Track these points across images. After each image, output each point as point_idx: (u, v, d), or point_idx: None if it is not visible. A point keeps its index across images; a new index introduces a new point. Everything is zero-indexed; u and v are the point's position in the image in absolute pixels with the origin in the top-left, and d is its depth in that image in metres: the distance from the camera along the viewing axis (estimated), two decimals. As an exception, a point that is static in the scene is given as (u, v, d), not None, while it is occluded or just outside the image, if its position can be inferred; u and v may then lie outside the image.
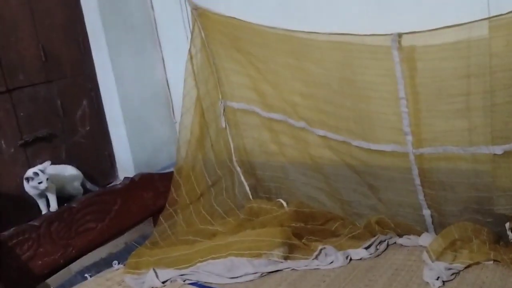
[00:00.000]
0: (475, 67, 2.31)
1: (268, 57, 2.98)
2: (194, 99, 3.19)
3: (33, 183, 2.75)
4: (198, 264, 2.61)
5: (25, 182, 2.77)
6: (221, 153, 3.30)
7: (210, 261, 2.60)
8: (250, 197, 3.28)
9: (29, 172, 2.77)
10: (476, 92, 2.35)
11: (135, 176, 3.22)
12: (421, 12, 2.58)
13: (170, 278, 2.59)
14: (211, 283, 2.53)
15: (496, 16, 2.21)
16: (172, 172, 3.19)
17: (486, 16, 2.27)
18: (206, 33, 3.12)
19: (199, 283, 2.54)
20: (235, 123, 3.29)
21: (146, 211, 3.19)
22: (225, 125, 3.29)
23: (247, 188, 3.30)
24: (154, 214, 3.16)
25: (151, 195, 3.22)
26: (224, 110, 3.27)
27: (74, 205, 2.84)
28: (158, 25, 3.55)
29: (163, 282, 2.57)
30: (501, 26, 2.20)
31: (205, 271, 2.58)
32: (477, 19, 2.24)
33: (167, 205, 3.07)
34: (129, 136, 3.39)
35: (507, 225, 2.45)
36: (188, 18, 3.30)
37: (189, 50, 3.15)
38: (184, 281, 2.57)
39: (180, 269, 2.61)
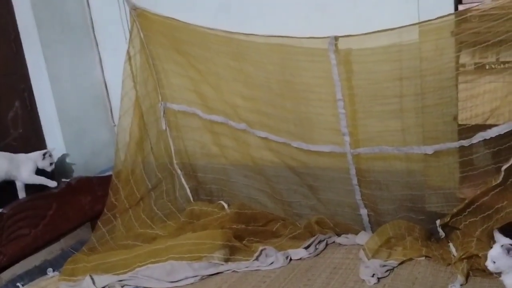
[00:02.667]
0: (407, 70, 2.40)
1: (209, 59, 2.97)
2: (133, 101, 3.14)
3: (46, 162, 2.95)
4: (137, 269, 2.56)
5: (38, 156, 2.95)
6: (161, 155, 3.25)
7: (150, 265, 2.56)
8: (191, 199, 3.25)
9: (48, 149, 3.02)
10: (408, 94, 2.44)
11: (71, 179, 3.12)
12: (357, 16, 2.66)
13: (108, 284, 2.52)
14: None
15: (425, 21, 2.29)
16: (111, 176, 3.11)
17: (417, 22, 2.35)
18: (146, 33, 3.07)
19: (138, 288, 2.50)
20: (175, 125, 3.26)
21: (83, 216, 3.10)
22: (166, 127, 3.25)
23: (188, 191, 3.27)
24: (92, 219, 3.08)
25: (89, 200, 3.13)
26: (164, 112, 3.23)
27: (4, 211, 2.71)
28: (95, 25, 3.46)
29: (100, 289, 2.51)
30: (430, 31, 2.30)
31: (144, 275, 2.53)
32: (408, 24, 2.32)
33: (105, 209, 3.00)
34: (65, 139, 3.28)
35: (438, 222, 2.55)
36: (126, 18, 3.24)
37: (128, 51, 3.10)
38: (123, 286, 2.51)
39: (118, 274, 2.55)
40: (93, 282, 2.51)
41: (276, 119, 2.85)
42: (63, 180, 3.09)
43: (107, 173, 3.25)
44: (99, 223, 2.96)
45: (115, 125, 3.54)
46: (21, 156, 2.96)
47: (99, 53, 3.51)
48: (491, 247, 2.23)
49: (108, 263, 2.62)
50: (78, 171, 3.29)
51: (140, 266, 2.56)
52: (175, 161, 3.27)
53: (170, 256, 2.56)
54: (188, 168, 3.29)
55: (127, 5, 3.07)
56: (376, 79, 2.49)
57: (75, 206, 3.07)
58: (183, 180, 3.27)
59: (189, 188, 3.28)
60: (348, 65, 2.52)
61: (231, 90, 2.97)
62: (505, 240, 1.97)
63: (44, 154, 2.97)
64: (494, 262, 1.95)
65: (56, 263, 2.81)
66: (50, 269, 2.73)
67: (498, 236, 2.01)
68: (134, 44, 3.12)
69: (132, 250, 2.69)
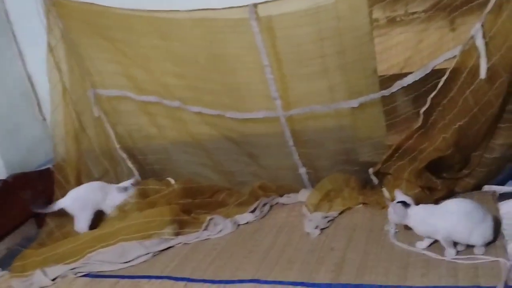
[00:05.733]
0: (327, 31, 2.51)
1: (134, 41, 2.95)
2: (62, 93, 3.10)
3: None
4: (88, 255, 2.57)
5: (119, 191, 2.93)
6: (103, 143, 3.24)
7: (100, 250, 2.58)
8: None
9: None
10: (330, 53, 2.55)
11: (8, 177, 3.05)
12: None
13: (60, 274, 2.52)
14: (104, 271, 2.51)
15: (336, -19, 2.40)
16: (49, 169, 3.08)
17: (329, -19, 2.45)
18: (64, 22, 3.01)
19: (91, 273, 2.51)
20: (111, 111, 3.23)
21: (26, 213, 3.04)
22: (99, 114, 3.21)
23: (136, 173, 3.26)
24: (36, 214, 3.02)
25: (29, 195, 3.05)
26: (96, 99, 3.19)
27: None
28: (11, 17, 3.33)
29: (53, 280, 2.50)
30: (343, -10, 2.41)
31: (96, 260, 2.55)
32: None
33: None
34: (-5, 137, 3.18)
35: (371, 170, 2.72)
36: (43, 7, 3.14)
37: (48, 42, 3.05)
38: (76, 274, 2.52)
39: (69, 263, 2.56)
40: (45, 274, 2.50)
41: (208, 93, 2.90)
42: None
43: (45, 167, 3.21)
44: (47, 219, 2.95)
45: (44, 119, 3.47)
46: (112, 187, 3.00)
47: (18, 46, 3.39)
48: (419, 186, 2.45)
49: (58, 254, 2.61)
50: (14, 169, 3.20)
51: (90, 252, 2.57)
52: (118, 146, 3.24)
53: (120, 238, 2.59)
54: (130, 151, 3.29)
55: (41, -7, 2.99)
56: (299, 42, 2.58)
57: (16, 203, 3.00)
58: (129, 163, 3.26)
59: (137, 169, 3.28)
60: (271, 31, 2.59)
61: (161, 69, 2.98)
62: (401, 197, 2.23)
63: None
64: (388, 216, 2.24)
65: (5, 262, 2.75)
66: (-1, 268, 2.70)
67: (397, 193, 2.27)
68: (54, 34, 3.07)
69: (81, 237, 2.70)
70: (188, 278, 2.29)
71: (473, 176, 2.50)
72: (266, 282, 2.15)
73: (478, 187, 2.52)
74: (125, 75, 3.11)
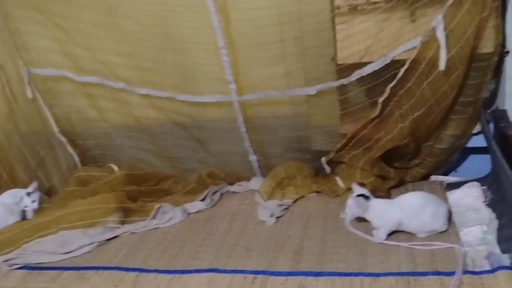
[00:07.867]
0: (286, 15, 2.47)
1: (76, 16, 2.74)
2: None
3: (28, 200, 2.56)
4: (24, 246, 2.34)
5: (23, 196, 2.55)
6: (38, 127, 2.97)
7: (38, 239, 2.36)
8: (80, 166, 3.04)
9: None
10: (289, 38, 2.51)
11: None
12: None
13: (-8, 267, 2.28)
14: (42, 263, 2.30)
15: (299, -35, 2.36)
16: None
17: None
18: (-3, -8, 2.74)
19: (28, 265, 2.29)
20: (47, 92, 2.97)
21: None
22: (33, 95, 2.94)
23: (77, 158, 3.03)
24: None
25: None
26: (30, 78, 2.92)
27: None
28: None
29: (-16, 273, 2.26)
30: (305, -26, 2.38)
31: (34, 251, 2.32)
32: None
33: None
34: None
35: (323, 159, 2.72)
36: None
37: (-21, 15, 2.76)
38: (10, 266, 2.28)
39: (3, 254, 2.32)
40: (-25, 267, 2.26)
41: (158, 74, 2.75)
42: None
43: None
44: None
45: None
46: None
47: None
48: (374, 175, 2.47)
49: (-11, 244, 2.37)
50: None
51: (27, 242, 2.34)
52: (56, 130, 2.98)
53: (60, 226, 2.39)
54: (68, 136, 3.04)
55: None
56: (256, 26, 2.51)
57: None
58: (68, 148, 3.01)
59: (77, 155, 3.04)
60: (228, 12, 2.51)
61: (105, 47, 2.78)
62: (360, 191, 2.19)
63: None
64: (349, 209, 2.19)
65: None
66: None
67: (355, 187, 2.22)
68: (-15, 6, 2.78)
69: (16, 227, 2.46)
70: (140, 269, 2.14)
71: (423, 165, 2.58)
72: (224, 271, 2.06)
73: (426, 176, 2.61)
74: (63, 53, 2.87)
